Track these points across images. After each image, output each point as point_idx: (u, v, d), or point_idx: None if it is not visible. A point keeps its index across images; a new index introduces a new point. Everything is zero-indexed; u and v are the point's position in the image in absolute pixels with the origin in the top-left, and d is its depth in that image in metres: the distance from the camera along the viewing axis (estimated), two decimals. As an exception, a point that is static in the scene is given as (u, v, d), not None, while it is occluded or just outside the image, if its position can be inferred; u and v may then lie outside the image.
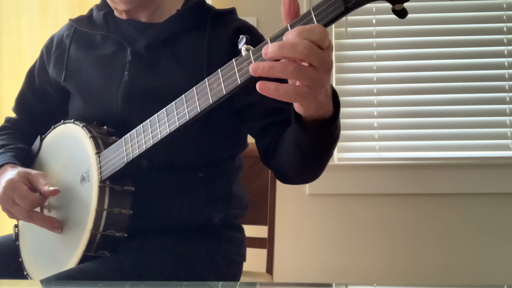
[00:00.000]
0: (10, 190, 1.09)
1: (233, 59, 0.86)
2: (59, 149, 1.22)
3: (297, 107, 0.87)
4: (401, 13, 0.77)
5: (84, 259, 1.06)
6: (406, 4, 0.78)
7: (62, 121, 1.22)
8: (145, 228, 1.12)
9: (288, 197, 2.04)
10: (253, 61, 0.83)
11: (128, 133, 1.06)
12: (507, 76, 2.12)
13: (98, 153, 1.10)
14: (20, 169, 1.15)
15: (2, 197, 1.11)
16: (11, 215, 1.13)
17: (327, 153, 1.00)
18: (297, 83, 0.79)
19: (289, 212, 2.09)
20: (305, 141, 0.94)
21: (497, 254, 2.06)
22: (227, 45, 1.16)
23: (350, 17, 2.13)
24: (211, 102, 0.90)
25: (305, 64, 0.76)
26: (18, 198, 1.09)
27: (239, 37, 0.86)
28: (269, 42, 0.83)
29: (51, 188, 1.09)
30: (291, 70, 0.76)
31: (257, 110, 1.15)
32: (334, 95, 0.89)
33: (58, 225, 1.12)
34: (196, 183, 1.16)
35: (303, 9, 2.29)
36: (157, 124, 1.00)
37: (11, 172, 1.13)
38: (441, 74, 2.13)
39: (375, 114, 2.14)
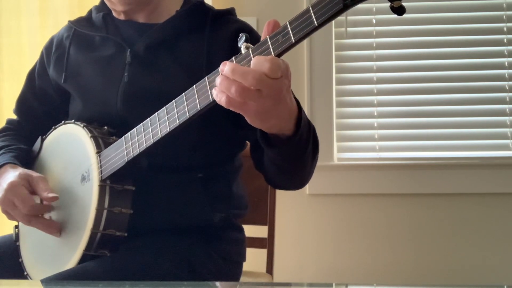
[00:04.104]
0: (11, 193, 1.10)
1: (233, 57, 0.87)
2: (59, 149, 1.22)
3: (250, 121, 0.90)
4: (399, 10, 0.78)
5: (84, 258, 1.06)
6: (405, 4, 0.78)
7: (63, 121, 1.23)
8: (145, 227, 1.12)
9: (288, 197, 2.03)
10: (252, 59, 0.83)
11: (129, 132, 1.06)
12: (507, 76, 2.12)
13: (99, 152, 1.10)
14: (21, 170, 1.15)
15: (3, 200, 1.11)
16: (11, 217, 1.14)
17: (300, 164, 1.05)
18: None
19: (289, 212, 2.09)
20: (272, 156, 1.02)
21: (497, 254, 2.06)
22: (227, 46, 1.16)
23: (350, 17, 2.13)
24: (210, 100, 0.90)
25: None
26: (18, 201, 1.09)
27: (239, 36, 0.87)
28: (268, 41, 0.83)
29: (50, 195, 1.09)
30: (235, 92, 0.82)
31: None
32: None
33: (57, 229, 1.13)
34: (196, 183, 1.16)
35: (303, 6, 2.29)
36: (158, 123, 1.00)
37: (13, 174, 1.14)
38: (441, 74, 2.13)
39: (375, 114, 2.14)
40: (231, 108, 0.85)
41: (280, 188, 1.22)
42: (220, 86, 0.84)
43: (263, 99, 0.83)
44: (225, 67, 0.83)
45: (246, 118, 0.89)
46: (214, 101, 0.90)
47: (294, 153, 0.98)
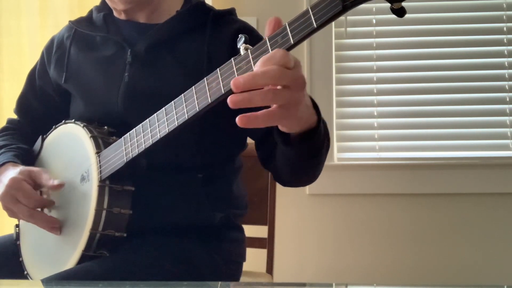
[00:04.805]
0: (14, 189, 1.10)
1: (232, 58, 0.86)
2: (60, 149, 1.22)
3: (280, 127, 0.89)
4: (400, 12, 0.77)
5: (83, 258, 1.06)
6: (405, 4, 0.78)
7: (63, 121, 1.23)
8: (144, 228, 1.12)
9: (288, 197, 2.04)
10: (251, 60, 0.83)
11: (128, 133, 1.06)
12: (507, 76, 2.12)
13: (98, 152, 1.10)
14: (21, 167, 1.16)
15: (4, 196, 1.11)
16: (12, 214, 1.13)
17: (317, 160, 1.03)
18: (273, 106, 0.80)
19: (289, 212, 2.09)
20: (291, 155, 0.98)
21: (497, 254, 2.06)
22: (228, 46, 1.16)
23: (350, 17, 2.13)
24: (209, 101, 0.90)
25: (279, 87, 0.78)
26: (23, 197, 1.09)
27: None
28: (267, 42, 0.83)
29: (55, 182, 1.10)
30: (271, 96, 0.77)
31: None
32: (314, 104, 0.92)
33: (57, 226, 1.13)
34: (196, 183, 1.16)
35: (303, 6, 2.28)
36: (156, 124, 1.00)
37: (13, 171, 1.14)
38: (441, 74, 2.13)
39: (375, 114, 2.14)
40: (274, 124, 0.82)
41: (288, 185, 1.19)
42: (254, 100, 0.76)
43: (292, 93, 0.79)
44: (244, 78, 0.76)
45: (282, 126, 0.87)
46: (212, 102, 0.90)
47: (314, 147, 0.96)
